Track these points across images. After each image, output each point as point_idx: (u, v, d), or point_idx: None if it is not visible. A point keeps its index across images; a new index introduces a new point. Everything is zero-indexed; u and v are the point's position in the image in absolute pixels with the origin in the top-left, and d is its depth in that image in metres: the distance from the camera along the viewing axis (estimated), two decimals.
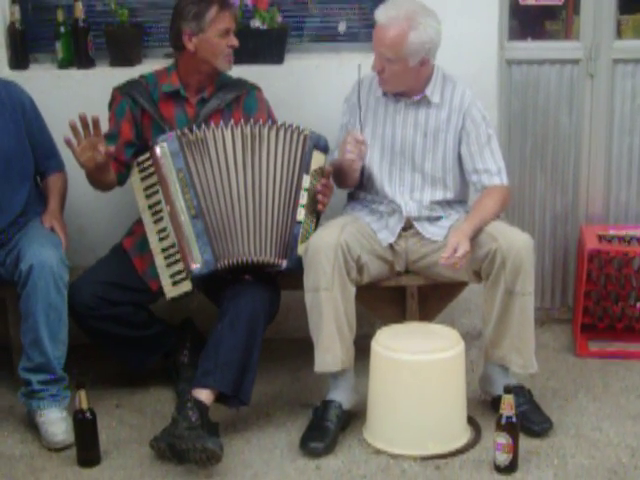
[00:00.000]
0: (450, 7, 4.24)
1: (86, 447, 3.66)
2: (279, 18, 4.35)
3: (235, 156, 3.82)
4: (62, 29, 4.38)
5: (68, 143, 3.66)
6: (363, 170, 3.95)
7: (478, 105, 3.87)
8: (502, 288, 3.70)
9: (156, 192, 3.81)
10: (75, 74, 4.41)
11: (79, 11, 4.33)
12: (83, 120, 3.64)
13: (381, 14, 3.74)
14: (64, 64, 4.42)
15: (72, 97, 4.32)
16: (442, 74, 3.87)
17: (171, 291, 3.82)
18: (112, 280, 3.90)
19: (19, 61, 4.39)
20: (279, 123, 3.90)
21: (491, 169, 3.86)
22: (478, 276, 3.83)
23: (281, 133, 3.86)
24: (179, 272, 3.79)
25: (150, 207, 3.84)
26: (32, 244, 3.83)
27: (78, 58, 4.40)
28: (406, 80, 3.80)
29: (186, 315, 4.25)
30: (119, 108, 3.99)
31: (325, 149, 3.92)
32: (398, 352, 3.61)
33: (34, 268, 3.74)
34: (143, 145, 3.93)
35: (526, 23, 4.54)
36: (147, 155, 3.83)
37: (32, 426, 3.88)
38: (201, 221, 3.75)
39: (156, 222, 3.83)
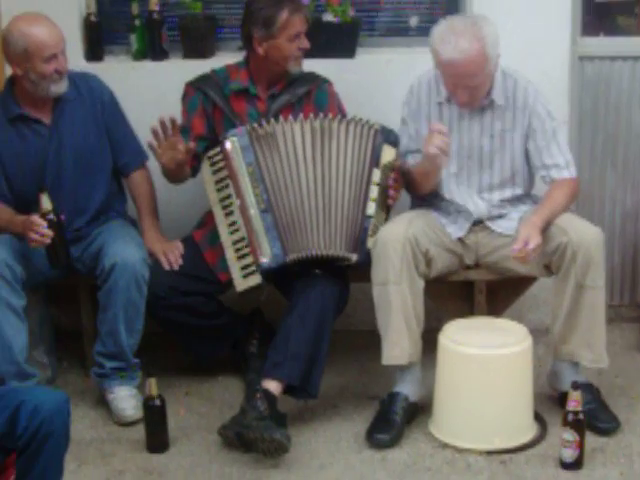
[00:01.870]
0: (523, 3, 4.24)
1: (155, 433, 3.72)
2: (351, 12, 4.36)
3: (305, 150, 3.85)
4: (137, 22, 4.44)
5: (151, 147, 3.75)
6: None
7: (541, 100, 3.83)
8: (572, 282, 3.68)
9: (227, 186, 3.85)
10: (149, 66, 4.47)
11: (153, 4, 4.38)
12: (162, 124, 3.72)
13: (450, 51, 3.61)
14: (138, 56, 4.48)
15: (146, 88, 4.39)
16: (501, 71, 3.80)
17: (241, 284, 3.85)
18: (183, 271, 3.95)
19: (94, 53, 4.46)
20: (349, 117, 3.91)
21: (560, 163, 3.83)
22: (548, 270, 3.81)
23: (351, 127, 3.88)
24: (249, 265, 3.82)
25: (221, 200, 3.87)
26: (116, 242, 3.90)
27: (152, 50, 4.46)
28: (488, 85, 3.76)
29: (255, 306, 4.27)
30: (191, 103, 4.04)
31: (395, 143, 3.92)
32: (466, 346, 3.62)
33: (117, 266, 3.81)
34: (214, 139, 3.97)
35: (599, 18, 4.50)
36: (217, 149, 3.86)
37: (102, 409, 3.98)
38: (270, 215, 3.78)
39: (227, 215, 3.86)
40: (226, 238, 3.87)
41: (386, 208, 3.92)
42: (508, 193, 3.90)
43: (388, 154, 3.89)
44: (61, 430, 2.90)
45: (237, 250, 3.85)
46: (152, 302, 3.92)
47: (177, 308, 3.93)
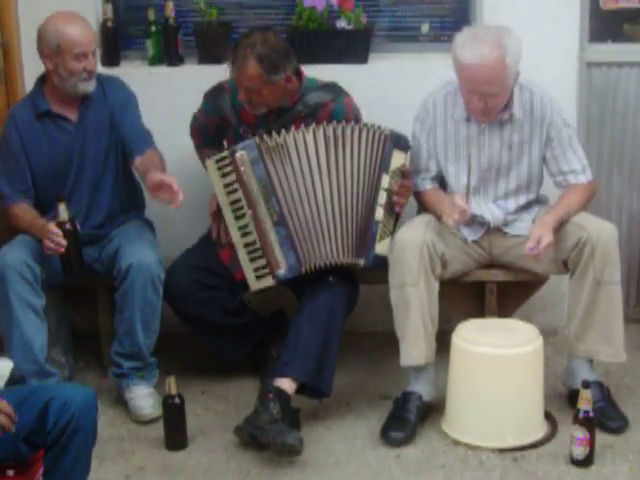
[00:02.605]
0: (532, 10, 4.33)
1: (174, 431, 3.79)
2: (364, 18, 4.44)
3: (319, 160, 3.84)
4: (153, 28, 4.53)
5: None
6: (446, 188, 4.02)
7: (557, 110, 3.89)
8: (590, 278, 3.76)
9: (236, 190, 3.85)
10: (165, 71, 4.55)
11: (170, 10, 4.47)
12: None
13: (469, 56, 3.66)
14: (154, 61, 4.57)
15: (161, 93, 4.47)
16: (518, 83, 3.84)
17: (255, 285, 3.90)
18: (206, 265, 4.01)
19: (111, 58, 4.54)
20: (361, 123, 3.91)
21: (576, 169, 3.91)
22: (565, 267, 3.88)
23: (363, 133, 3.87)
24: (262, 267, 3.86)
25: (231, 204, 3.88)
26: (132, 244, 3.97)
27: (168, 55, 4.54)
28: (504, 100, 3.81)
29: (277, 307, 4.34)
30: (205, 109, 4.15)
31: (405, 148, 3.94)
32: (479, 346, 3.69)
33: (133, 267, 3.88)
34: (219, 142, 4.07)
35: (605, 26, 4.56)
36: (224, 154, 3.85)
37: (121, 407, 4.05)
38: (284, 228, 3.80)
39: (237, 219, 3.88)
40: (238, 239, 3.89)
41: (394, 214, 3.95)
42: (523, 199, 3.97)
43: (398, 159, 3.91)
44: (89, 425, 2.97)
45: (250, 252, 3.88)
46: (177, 297, 4.00)
47: (202, 303, 3.99)
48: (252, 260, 3.89)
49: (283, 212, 3.81)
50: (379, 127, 3.90)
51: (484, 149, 3.91)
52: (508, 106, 3.84)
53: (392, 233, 3.92)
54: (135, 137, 4.09)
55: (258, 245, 3.85)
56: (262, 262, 3.87)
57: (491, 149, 3.90)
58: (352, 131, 3.87)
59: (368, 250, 3.86)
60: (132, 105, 4.15)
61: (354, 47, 4.42)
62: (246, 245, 3.89)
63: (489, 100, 3.74)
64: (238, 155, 3.80)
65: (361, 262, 3.87)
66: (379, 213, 3.88)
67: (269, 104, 3.92)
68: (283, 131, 3.83)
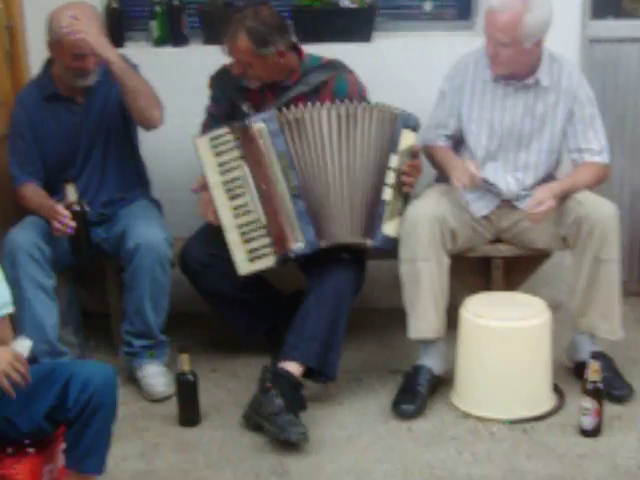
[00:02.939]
0: None
1: (188, 408, 3.83)
2: None
3: (331, 137, 3.86)
4: (157, 8, 4.55)
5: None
6: (463, 152, 4.04)
7: (585, 85, 3.94)
8: (589, 255, 3.80)
9: (234, 168, 3.86)
10: (170, 52, 4.58)
11: None
12: None
13: (495, 0, 3.74)
14: (159, 42, 4.59)
15: (168, 73, 4.48)
16: (548, 54, 3.90)
17: (245, 267, 3.88)
18: (223, 239, 3.93)
19: (115, 39, 4.48)
20: (372, 103, 3.93)
21: (594, 148, 3.94)
22: (566, 242, 3.93)
23: (374, 113, 3.89)
24: (261, 247, 3.86)
25: (225, 183, 3.88)
26: (139, 223, 4.00)
27: (173, 36, 4.57)
28: (520, 62, 3.83)
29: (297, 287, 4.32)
30: (214, 97, 4.16)
31: (415, 127, 3.93)
32: (487, 319, 3.75)
33: (141, 247, 3.91)
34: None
35: (605, 2, 4.60)
36: (223, 130, 3.87)
37: (133, 385, 4.09)
38: (302, 201, 3.81)
39: (232, 198, 3.88)
40: (228, 221, 3.87)
41: (403, 194, 3.93)
42: (541, 174, 4.00)
43: (407, 139, 3.90)
44: (110, 402, 3.02)
45: (244, 233, 3.86)
46: (196, 270, 4.04)
47: (220, 276, 4.00)
48: (247, 241, 3.86)
49: (301, 186, 3.83)
50: (389, 107, 3.92)
51: (507, 112, 3.94)
52: (534, 72, 3.88)
53: (402, 214, 3.90)
54: None
55: (261, 223, 3.85)
56: (262, 242, 3.86)
57: (514, 113, 3.94)
58: (364, 111, 3.89)
59: (375, 229, 3.87)
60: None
61: (358, 26, 4.46)
62: (240, 226, 3.87)
63: (501, 50, 3.78)
64: (256, 127, 3.82)
65: (368, 242, 3.88)
66: (387, 193, 3.88)
67: (262, 78, 3.97)
68: (300, 105, 3.86)
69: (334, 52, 4.20)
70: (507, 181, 4.00)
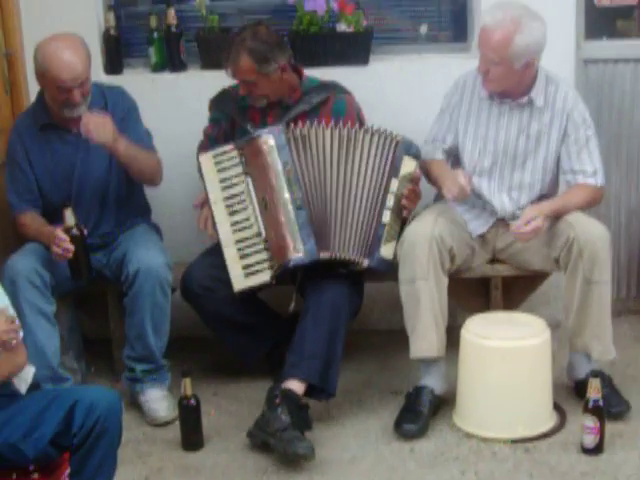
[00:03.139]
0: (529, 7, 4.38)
1: (190, 432, 3.85)
2: (364, 22, 4.50)
3: (332, 155, 3.95)
4: (155, 34, 4.57)
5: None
6: (461, 166, 4.07)
7: (580, 107, 3.96)
8: (580, 277, 3.82)
9: (235, 184, 3.96)
10: (168, 77, 4.60)
11: (171, 17, 4.52)
12: None
13: (488, 17, 3.81)
14: (157, 68, 4.62)
15: (165, 99, 4.53)
16: (545, 75, 3.94)
17: (240, 283, 3.93)
18: (224, 263, 3.98)
19: (114, 66, 4.58)
20: (374, 128, 4.01)
21: (587, 170, 3.96)
22: (558, 264, 3.95)
23: (375, 138, 3.98)
24: (257, 263, 3.92)
25: (226, 199, 3.97)
26: (139, 248, 4.01)
27: (171, 62, 4.60)
28: (511, 81, 3.87)
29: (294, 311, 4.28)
30: (213, 119, 4.23)
31: (416, 156, 4.03)
32: (488, 339, 3.77)
33: (140, 272, 3.92)
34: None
35: (599, 22, 4.62)
36: (225, 148, 3.98)
37: (135, 411, 4.09)
38: (305, 212, 3.87)
39: (231, 214, 3.96)
40: (227, 237, 3.95)
41: (402, 218, 4.00)
42: (536, 194, 4.02)
43: (408, 166, 3.99)
44: (115, 428, 3.04)
45: (242, 248, 3.94)
46: (198, 294, 4.06)
47: (222, 300, 4.02)
48: (244, 257, 3.93)
49: (304, 197, 3.90)
50: (391, 133, 4.01)
51: (501, 131, 3.98)
52: (528, 92, 3.92)
53: (398, 238, 3.96)
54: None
55: (257, 239, 3.92)
56: (258, 257, 3.92)
57: (509, 132, 3.98)
58: (364, 134, 3.98)
59: (373, 251, 3.92)
60: (133, 115, 4.18)
61: (355, 50, 4.49)
62: (238, 241, 3.95)
63: (492, 68, 3.83)
64: (264, 139, 3.92)
65: (365, 262, 3.92)
66: (386, 216, 3.95)
67: (268, 95, 4.06)
68: (307, 122, 3.96)
69: (332, 75, 4.27)
70: (502, 200, 4.03)
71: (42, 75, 3.91)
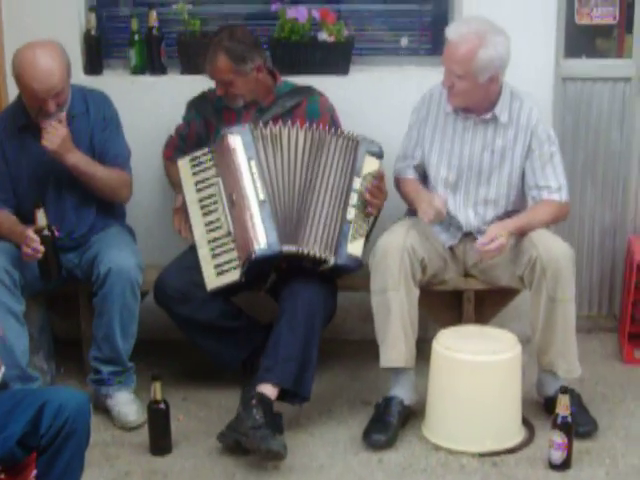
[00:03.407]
0: (509, 24, 4.33)
1: (159, 436, 3.83)
2: (345, 31, 4.50)
3: (303, 155, 4.03)
4: (136, 37, 4.55)
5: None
6: (428, 183, 4.11)
7: (544, 124, 3.98)
8: (544, 295, 3.84)
9: (208, 186, 4.05)
10: (148, 80, 4.58)
11: (153, 20, 4.50)
12: None
13: (452, 31, 3.85)
14: (137, 71, 4.59)
15: (144, 102, 4.51)
16: (510, 91, 3.96)
17: (213, 282, 3.98)
18: (200, 267, 4.04)
19: (94, 67, 4.56)
20: (337, 129, 4.10)
21: (552, 186, 3.97)
22: (523, 282, 3.97)
23: (340, 139, 4.06)
24: (227, 262, 3.97)
25: (200, 200, 4.05)
26: (111, 249, 4.00)
27: (151, 65, 4.58)
28: (475, 96, 3.91)
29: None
30: (187, 116, 4.29)
31: (379, 154, 4.08)
32: (459, 352, 3.77)
33: (111, 272, 3.91)
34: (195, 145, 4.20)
35: (579, 41, 4.65)
36: (199, 153, 4.08)
37: (103, 414, 4.06)
38: (269, 206, 3.92)
39: (205, 215, 4.04)
40: (201, 237, 4.03)
41: (369, 216, 4.04)
42: (501, 210, 4.04)
43: (371, 164, 4.05)
44: (83, 429, 3.02)
45: (214, 248, 4.00)
46: (173, 298, 4.05)
47: (198, 304, 4.03)
48: (215, 256, 4.00)
49: (268, 192, 3.95)
50: (352, 134, 4.08)
51: (466, 146, 4.01)
52: (492, 107, 3.95)
53: (367, 235, 4.03)
54: (104, 155, 4.09)
55: (227, 239, 3.97)
56: (229, 256, 3.98)
57: (473, 147, 4.00)
58: (331, 137, 4.06)
59: (339, 248, 3.95)
60: (114, 127, 4.16)
61: (335, 59, 4.50)
62: (211, 241, 4.02)
63: (456, 82, 3.86)
64: (231, 137, 4.00)
65: (331, 259, 3.94)
66: (350, 213, 3.99)
67: (244, 95, 4.14)
68: (280, 122, 4.05)
69: (312, 84, 4.28)
70: (467, 214, 4.06)
71: (17, 80, 3.89)
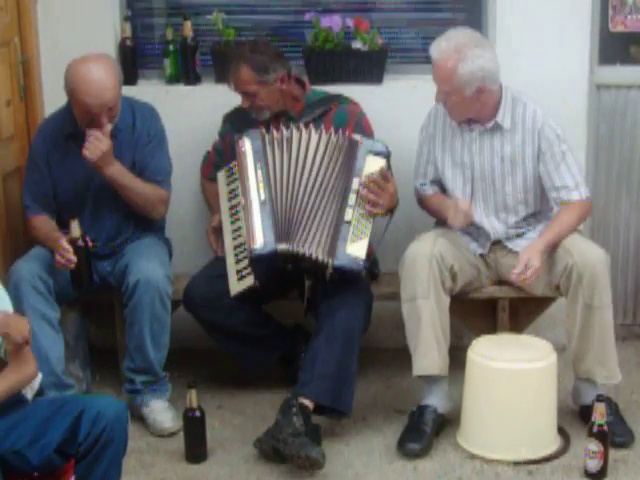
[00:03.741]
0: (544, 33, 4.42)
1: (194, 443, 3.84)
2: (379, 40, 4.51)
3: (306, 157, 4.01)
4: (171, 47, 4.58)
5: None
6: (448, 196, 4.10)
7: (550, 123, 3.94)
8: (581, 303, 3.82)
9: (237, 195, 4.05)
10: (182, 90, 4.61)
11: (188, 29, 4.53)
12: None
13: (434, 48, 3.86)
14: (172, 80, 4.62)
15: (179, 111, 4.52)
16: (511, 96, 3.94)
17: (235, 287, 4.01)
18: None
19: (129, 76, 4.54)
20: (340, 131, 4.03)
21: (569, 185, 3.95)
22: (559, 290, 3.96)
23: (341, 140, 4.00)
24: (245, 268, 4.00)
25: (230, 209, 4.09)
26: (140, 259, 4.02)
27: (185, 74, 4.60)
28: (469, 108, 3.91)
29: (296, 321, 4.39)
30: (222, 131, 4.32)
31: (383, 153, 4.00)
32: (495, 361, 3.77)
33: (140, 283, 3.93)
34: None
35: (613, 48, 4.64)
36: (233, 163, 4.09)
37: (138, 422, 4.07)
38: (269, 207, 3.93)
39: (233, 222, 4.08)
40: (229, 244, 4.07)
41: (369, 214, 3.94)
42: (522, 213, 4.04)
43: (374, 164, 3.98)
44: (121, 437, 3.04)
45: (237, 254, 4.03)
46: (201, 305, 4.09)
47: (226, 311, 4.07)
48: (238, 262, 4.03)
49: (271, 194, 3.96)
50: (354, 135, 4.02)
51: (475, 156, 4.00)
52: (493, 115, 3.94)
53: (369, 236, 3.95)
54: (144, 170, 4.12)
55: (245, 246, 3.98)
56: (245, 263, 3.99)
57: (482, 157, 4.00)
58: (337, 138, 4.03)
59: (337, 249, 3.88)
60: (158, 143, 4.18)
61: (369, 68, 4.51)
62: (236, 247, 4.05)
63: (447, 99, 3.88)
64: (240, 142, 4.04)
65: (331, 261, 3.88)
66: (348, 214, 3.93)
67: (270, 107, 4.14)
68: (292, 127, 4.05)
69: (345, 93, 4.28)
70: (491, 223, 4.05)
71: (70, 95, 3.92)
